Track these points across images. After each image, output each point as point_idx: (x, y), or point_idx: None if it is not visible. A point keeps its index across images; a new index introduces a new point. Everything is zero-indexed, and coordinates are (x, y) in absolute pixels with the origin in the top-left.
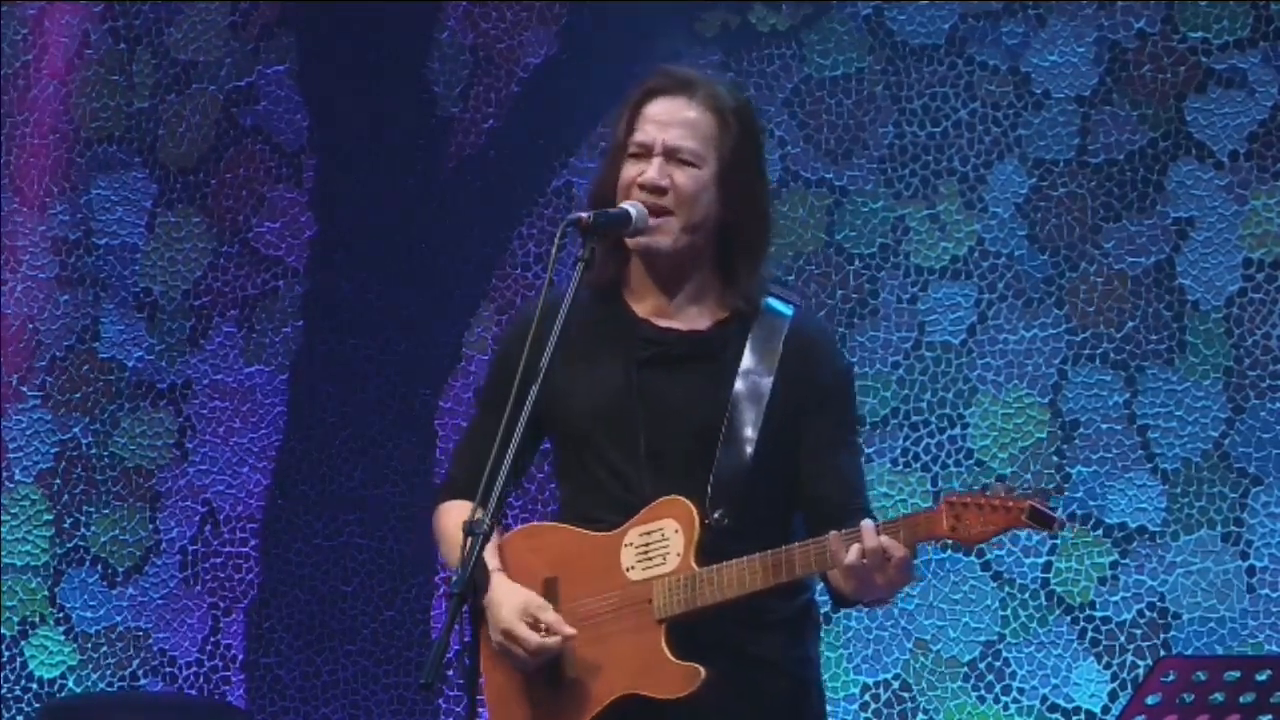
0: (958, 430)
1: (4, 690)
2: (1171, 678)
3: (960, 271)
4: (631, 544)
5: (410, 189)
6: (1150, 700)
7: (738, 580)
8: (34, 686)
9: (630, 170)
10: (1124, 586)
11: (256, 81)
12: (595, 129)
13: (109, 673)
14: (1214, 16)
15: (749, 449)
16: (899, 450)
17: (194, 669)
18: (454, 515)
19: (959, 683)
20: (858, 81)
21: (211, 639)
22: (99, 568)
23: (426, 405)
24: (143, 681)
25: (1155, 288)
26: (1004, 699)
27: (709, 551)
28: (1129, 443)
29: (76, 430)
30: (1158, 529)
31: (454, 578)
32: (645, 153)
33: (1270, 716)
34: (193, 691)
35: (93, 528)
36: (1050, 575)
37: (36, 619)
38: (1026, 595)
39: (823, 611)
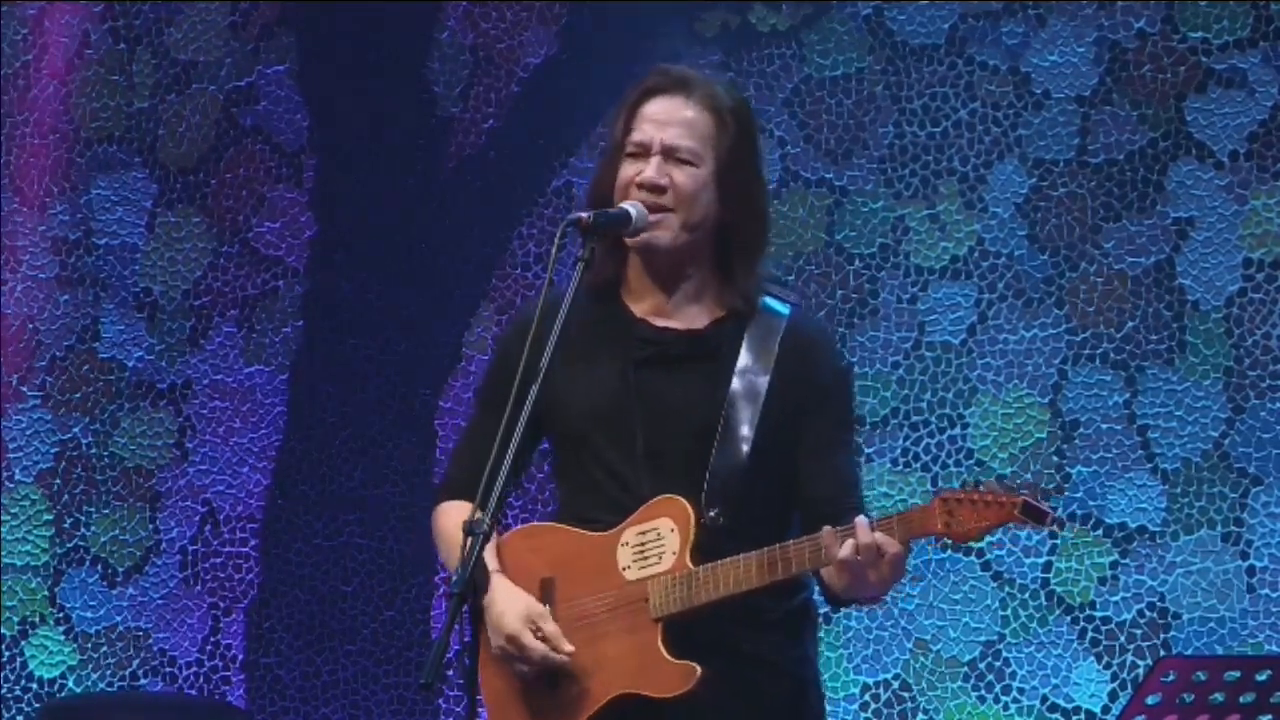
0: (958, 430)
1: (4, 690)
2: (1171, 678)
3: (960, 271)
4: (628, 543)
5: (410, 189)
6: (1150, 700)
7: (733, 578)
8: (34, 686)
9: (628, 170)
10: (1124, 586)
11: (256, 81)
12: (595, 129)
13: (109, 673)
14: (1214, 16)
15: (745, 448)
16: (899, 450)
17: (194, 669)
18: (453, 515)
19: (959, 683)
20: (858, 81)
21: (211, 639)
22: (99, 568)
23: (426, 405)
24: (143, 681)
25: (1155, 288)
26: (1004, 699)
27: (705, 550)
28: (1129, 443)
29: (76, 430)
30: (1158, 529)
31: (454, 578)
32: (643, 152)
33: (1270, 716)
34: (193, 691)
35: (93, 528)
36: (1050, 575)
37: (36, 619)
38: (1026, 595)
39: (822, 611)
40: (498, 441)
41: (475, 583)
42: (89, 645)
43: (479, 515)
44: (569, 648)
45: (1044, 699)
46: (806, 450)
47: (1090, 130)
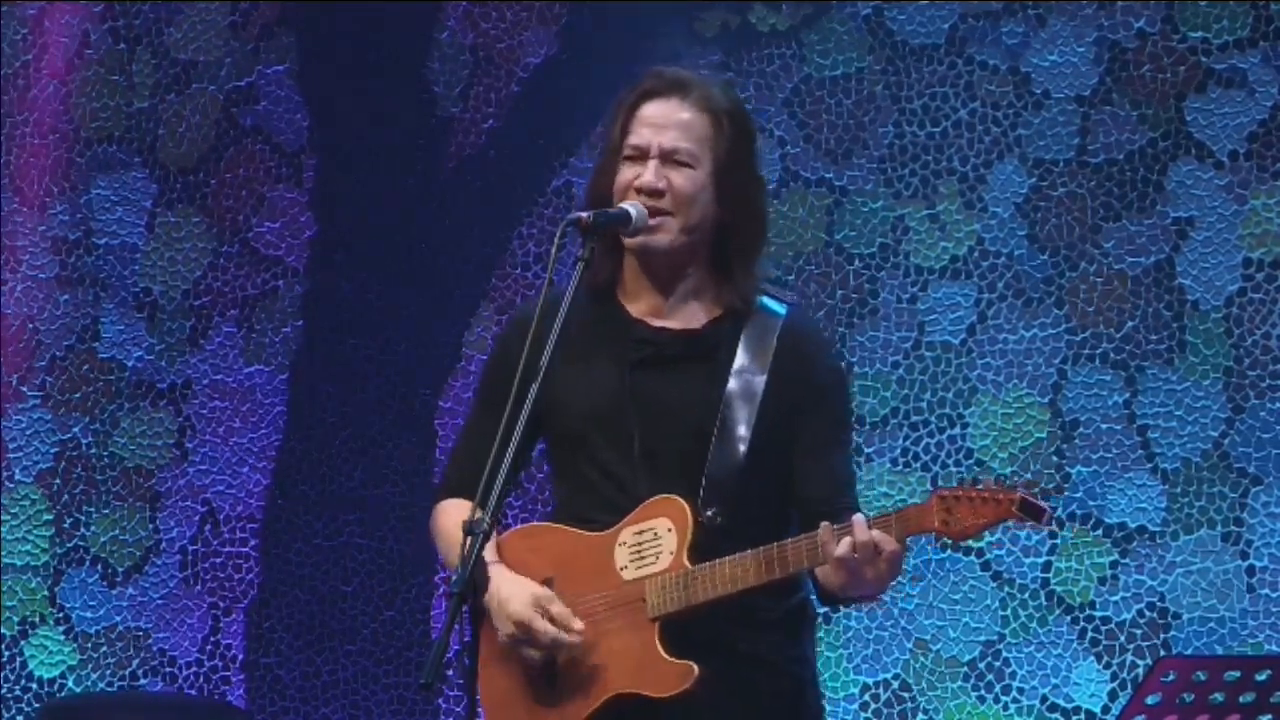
0: (958, 430)
1: (4, 690)
2: (1171, 678)
3: (960, 271)
4: (625, 543)
5: (410, 189)
6: (1150, 700)
7: (730, 577)
8: (34, 686)
9: (626, 173)
10: (1124, 586)
11: (256, 81)
12: (595, 129)
13: (109, 673)
14: (1214, 16)
15: (742, 448)
16: (899, 450)
17: (194, 669)
18: (451, 514)
19: (959, 683)
20: (858, 81)
21: (211, 639)
22: (99, 568)
23: (426, 405)
24: (143, 681)
25: (1155, 288)
26: (1004, 699)
27: (702, 550)
28: (1129, 443)
29: (76, 430)
30: (1158, 529)
31: (454, 577)
32: (641, 155)
33: (1270, 716)
34: (193, 691)
35: (93, 528)
36: (1050, 575)
37: (36, 619)
38: (1026, 595)
39: (822, 611)
40: (498, 441)
41: (475, 583)
42: (89, 645)
43: (479, 515)
44: (579, 625)
45: (1044, 699)
46: (803, 450)
47: (1090, 130)
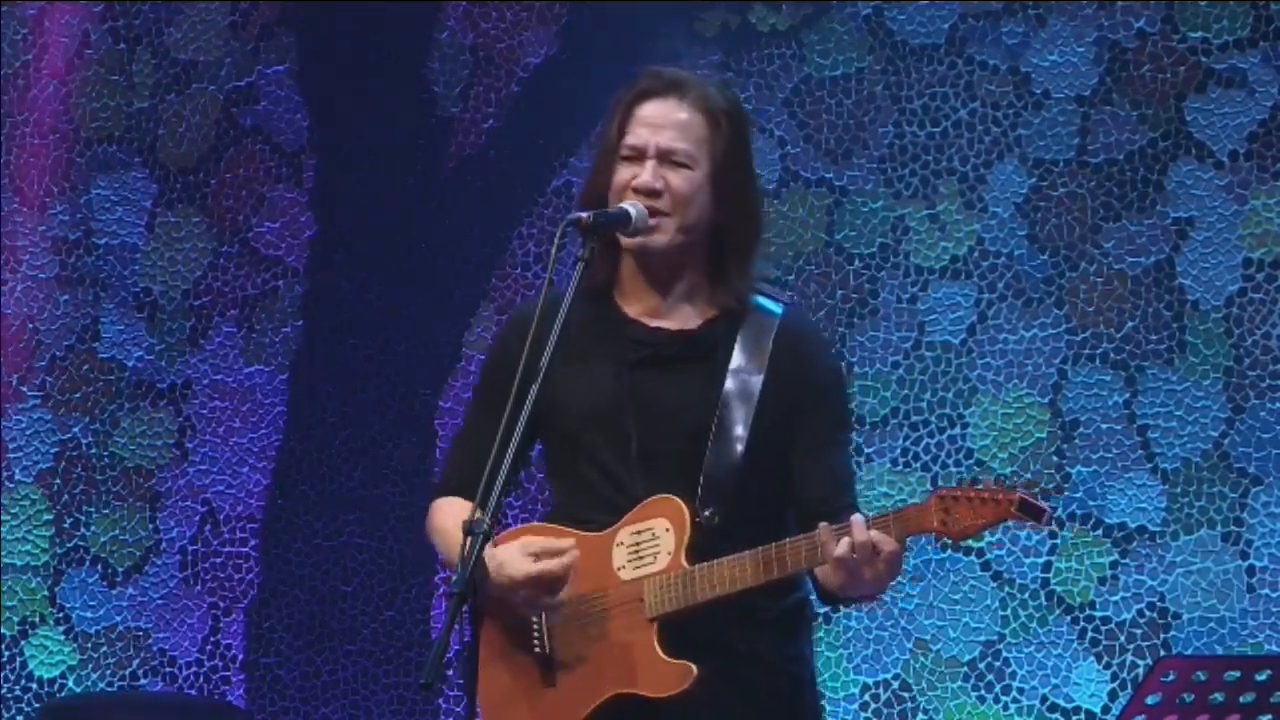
0: (958, 430)
1: (4, 690)
2: (1171, 678)
3: (960, 271)
4: (622, 543)
5: (410, 189)
6: (1150, 700)
7: (729, 577)
8: (34, 686)
9: (624, 173)
10: (1124, 586)
11: (256, 81)
12: (595, 129)
13: (109, 673)
14: (1214, 16)
15: (739, 447)
16: (899, 450)
17: (194, 669)
18: (448, 513)
19: (959, 683)
20: (858, 81)
21: (211, 639)
22: (99, 568)
23: (426, 405)
24: (143, 681)
25: (1155, 288)
26: (1004, 699)
27: (700, 550)
28: (1129, 443)
29: (76, 430)
30: (1158, 529)
31: (454, 577)
32: (638, 156)
33: (1270, 716)
34: (193, 691)
35: (93, 528)
36: (1050, 575)
37: (36, 619)
38: (1026, 595)
39: (822, 611)
40: (498, 440)
41: (475, 583)
42: (89, 645)
43: (479, 515)
44: (567, 542)
45: (1044, 699)
46: (802, 450)
47: (1090, 130)
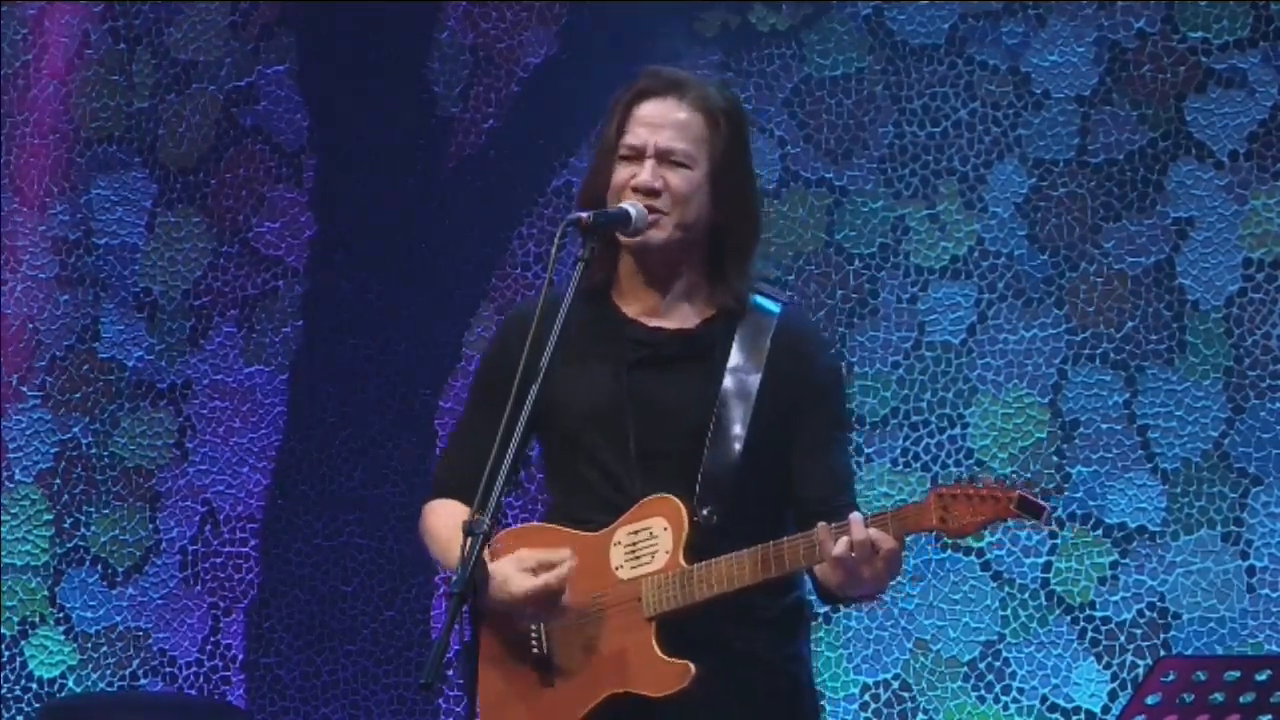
0: (958, 430)
1: (4, 690)
2: (1171, 678)
3: (960, 271)
4: (620, 543)
5: (410, 189)
6: (1150, 700)
7: (727, 576)
8: (34, 686)
9: (623, 173)
10: (1124, 586)
11: (256, 81)
12: (595, 129)
13: (109, 673)
14: (1214, 16)
15: (737, 446)
16: (899, 450)
17: (194, 669)
18: (442, 515)
19: (959, 683)
20: (858, 81)
21: (211, 639)
22: (99, 568)
23: (426, 405)
24: (143, 681)
25: (1155, 288)
26: (1004, 699)
27: (698, 549)
28: (1129, 443)
29: (76, 430)
30: (1158, 529)
31: (454, 577)
32: (637, 155)
33: (1270, 716)
34: (193, 691)
35: (93, 528)
36: (1050, 575)
37: (36, 619)
38: (1026, 595)
39: (822, 611)
40: (497, 440)
41: (475, 583)
42: (89, 645)
43: (479, 515)
44: (564, 553)
45: (1044, 699)
46: (800, 449)
47: (1090, 130)
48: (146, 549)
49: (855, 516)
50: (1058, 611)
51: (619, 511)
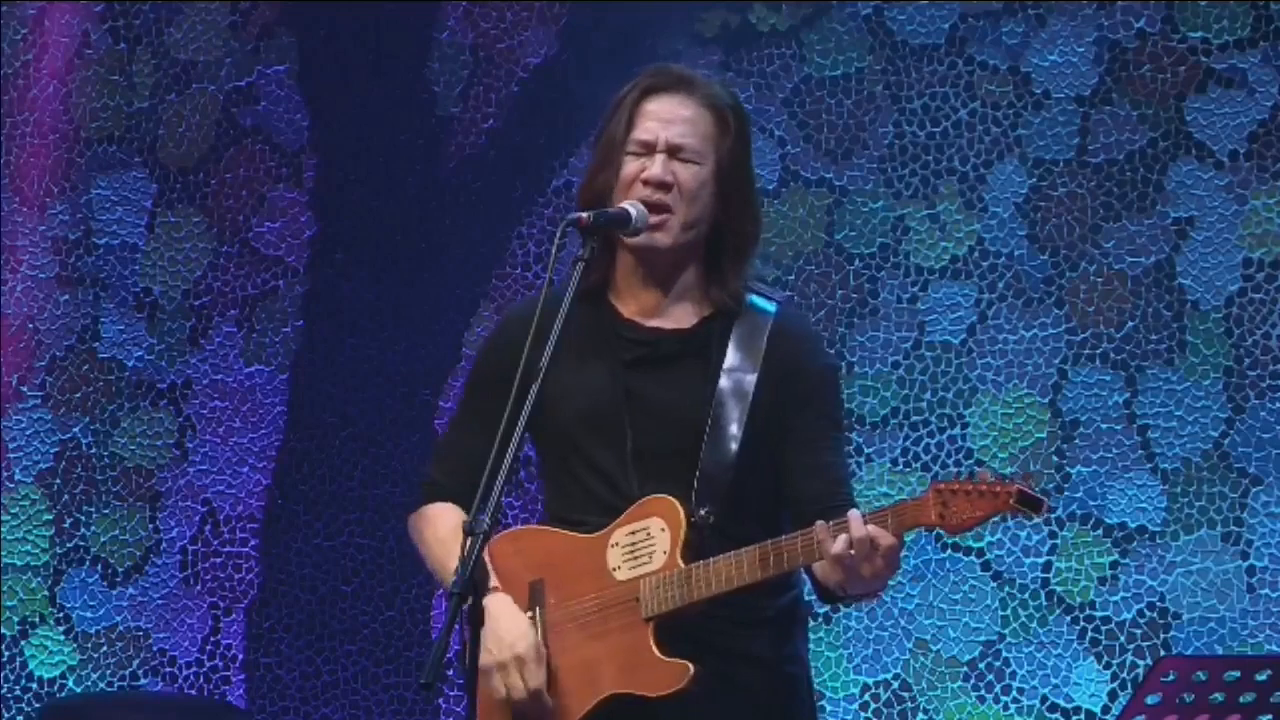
0: (958, 430)
1: (4, 690)
2: (1171, 678)
3: (960, 271)
4: (618, 544)
5: (410, 189)
6: (1150, 700)
7: (726, 576)
8: (34, 686)
9: (632, 167)
10: (1124, 586)
11: (256, 81)
12: (595, 129)
13: (109, 673)
14: (1214, 16)
15: (734, 446)
16: (899, 450)
17: (194, 669)
18: (436, 524)
19: (959, 683)
20: (858, 81)
21: (211, 639)
22: (99, 568)
23: (426, 405)
24: (143, 681)
25: (1155, 288)
26: (1004, 699)
27: (695, 549)
28: (1129, 443)
29: (76, 430)
30: (1158, 529)
31: (454, 578)
32: (647, 150)
33: (1270, 716)
34: (193, 691)
35: (93, 528)
36: (1050, 575)
37: (36, 619)
38: (1026, 595)
39: (822, 611)
40: (498, 440)
41: (475, 583)
42: (89, 645)
43: (479, 516)
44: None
45: (1044, 699)
46: (794, 447)
47: (1090, 130)
48: (146, 549)
49: (854, 513)
50: (1058, 611)
51: (615, 512)
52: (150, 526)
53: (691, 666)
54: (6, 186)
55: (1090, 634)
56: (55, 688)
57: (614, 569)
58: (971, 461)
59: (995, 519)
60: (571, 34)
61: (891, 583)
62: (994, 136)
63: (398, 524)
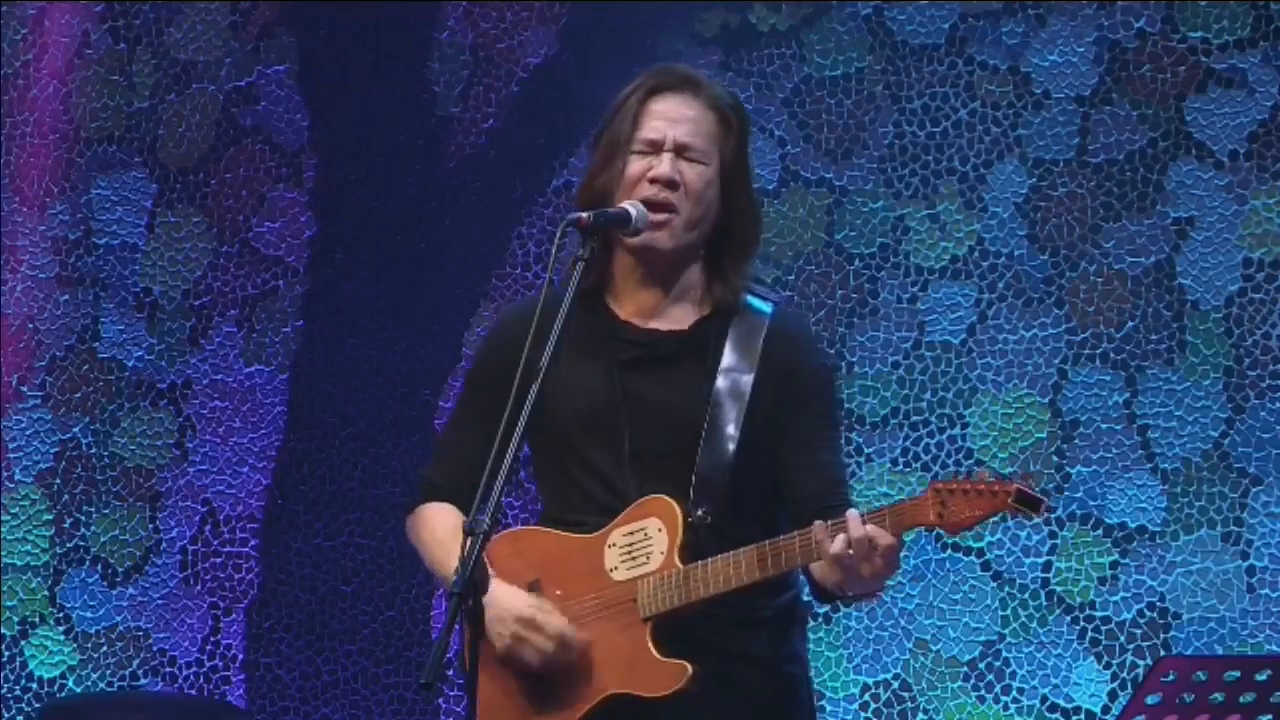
0: (958, 430)
1: (4, 690)
2: (1171, 678)
3: (960, 271)
4: (615, 544)
5: (410, 189)
6: (1150, 700)
7: (724, 576)
8: (34, 686)
9: (637, 166)
10: (1124, 586)
11: (256, 81)
12: (595, 129)
13: (109, 673)
14: (1214, 16)
15: (731, 446)
16: (899, 450)
17: (194, 669)
18: (433, 524)
19: (959, 683)
20: (858, 81)
21: (211, 639)
22: (99, 568)
23: (426, 405)
24: (143, 681)
25: (1155, 288)
26: (1004, 699)
27: (693, 549)
28: (1129, 443)
29: (76, 430)
30: (1158, 529)
31: (454, 577)
32: (653, 149)
33: (1270, 716)
34: (193, 691)
35: (93, 528)
36: (1050, 575)
37: (36, 619)
38: (1026, 595)
39: (822, 611)
40: (498, 439)
41: (475, 583)
42: (89, 645)
43: (479, 516)
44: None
45: (1044, 699)
46: (791, 446)
47: (1090, 130)
48: (146, 549)
49: (852, 513)
50: (1058, 611)
51: (612, 513)
52: (150, 526)
53: (690, 667)
54: (6, 186)
55: (1090, 634)
56: (55, 688)
57: (611, 569)
58: (971, 461)
59: (994, 519)
60: (571, 34)
61: (891, 583)
62: (994, 136)
63: (398, 524)
